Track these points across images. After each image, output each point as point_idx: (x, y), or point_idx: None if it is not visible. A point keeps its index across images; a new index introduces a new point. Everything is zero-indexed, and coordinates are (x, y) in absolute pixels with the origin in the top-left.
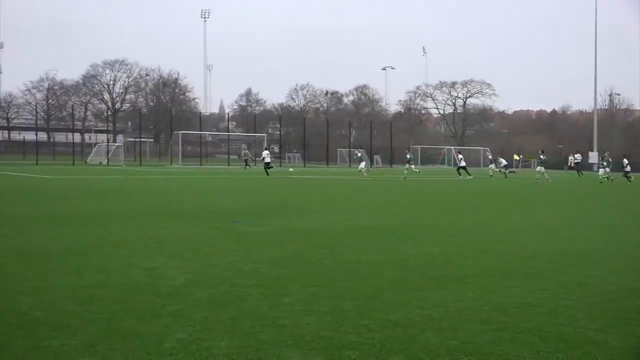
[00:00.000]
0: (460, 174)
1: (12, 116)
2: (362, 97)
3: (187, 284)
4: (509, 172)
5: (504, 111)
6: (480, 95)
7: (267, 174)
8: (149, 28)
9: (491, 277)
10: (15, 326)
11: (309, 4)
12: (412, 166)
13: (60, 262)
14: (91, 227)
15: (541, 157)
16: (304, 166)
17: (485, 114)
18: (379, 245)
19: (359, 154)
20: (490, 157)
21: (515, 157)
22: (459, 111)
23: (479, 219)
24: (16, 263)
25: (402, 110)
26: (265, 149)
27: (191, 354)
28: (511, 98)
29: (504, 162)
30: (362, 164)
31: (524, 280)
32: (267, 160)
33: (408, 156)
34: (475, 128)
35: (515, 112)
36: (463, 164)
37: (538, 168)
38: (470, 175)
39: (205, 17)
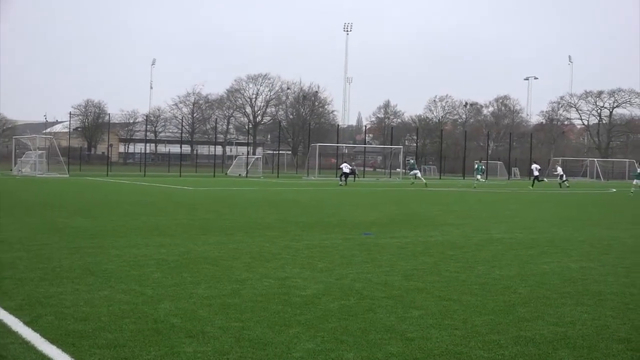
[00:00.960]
0: (532, 185)
1: (159, 129)
2: (503, 108)
3: (318, 295)
4: (564, 181)
5: None
6: (628, 104)
7: (344, 184)
8: (293, 42)
9: (632, 294)
10: (153, 331)
11: (448, 15)
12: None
13: (197, 271)
14: (226, 237)
15: (638, 169)
16: (439, 178)
17: (633, 125)
18: (513, 259)
19: (412, 161)
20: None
21: None
22: (604, 122)
23: (618, 234)
24: (156, 271)
25: (544, 121)
26: (345, 161)
27: None
28: None
29: (559, 170)
30: (417, 172)
31: None
32: (346, 170)
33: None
34: (621, 139)
35: None
36: (536, 173)
37: (635, 181)
38: (531, 187)
39: (347, 31)
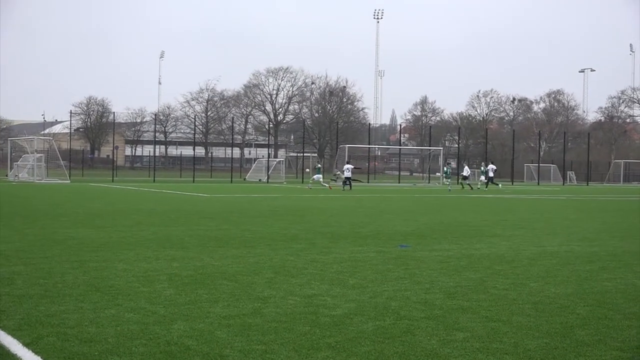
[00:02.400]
0: (463, 187)
1: (170, 130)
2: (555, 104)
3: (349, 314)
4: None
5: None
6: None
7: (347, 189)
8: (317, 32)
9: None
10: (166, 354)
11: (492, 1)
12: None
13: (213, 288)
14: (246, 250)
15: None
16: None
17: None
18: (570, 275)
19: (319, 166)
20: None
21: None
22: None
23: None
24: (169, 288)
25: (603, 118)
26: (347, 162)
27: None
28: None
29: (466, 171)
30: (318, 177)
31: None
32: (348, 174)
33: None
34: None
35: None
36: (491, 174)
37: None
38: (485, 188)
39: (378, 18)
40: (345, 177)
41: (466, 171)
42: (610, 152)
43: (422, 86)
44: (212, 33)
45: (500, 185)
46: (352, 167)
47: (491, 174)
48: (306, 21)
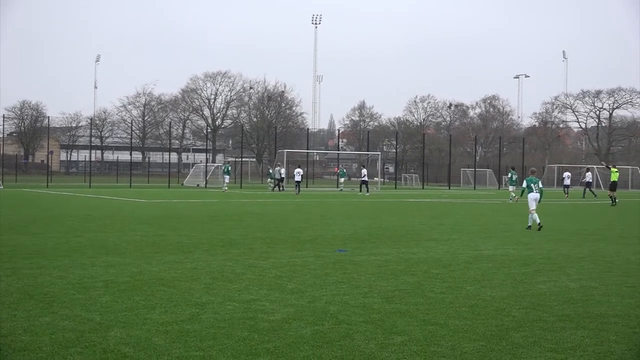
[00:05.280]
0: (361, 190)
1: (106, 134)
2: (491, 109)
3: (288, 319)
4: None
5: None
6: (629, 105)
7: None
8: (255, 37)
9: (638, 317)
10: None
11: (429, 8)
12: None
13: (151, 294)
14: (183, 256)
15: (511, 174)
16: (422, 188)
17: (635, 128)
18: (506, 278)
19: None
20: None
21: None
22: (603, 124)
23: (621, 249)
24: (105, 295)
25: (537, 124)
26: (299, 167)
27: None
28: None
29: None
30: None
31: None
32: (298, 178)
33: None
34: (623, 144)
35: None
36: (365, 178)
37: (511, 187)
38: (367, 192)
39: (316, 23)
40: (296, 181)
41: (364, 174)
42: (544, 157)
43: (361, 91)
44: (149, 36)
45: (361, 193)
46: (302, 171)
47: (365, 178)
48: (245, 26)
